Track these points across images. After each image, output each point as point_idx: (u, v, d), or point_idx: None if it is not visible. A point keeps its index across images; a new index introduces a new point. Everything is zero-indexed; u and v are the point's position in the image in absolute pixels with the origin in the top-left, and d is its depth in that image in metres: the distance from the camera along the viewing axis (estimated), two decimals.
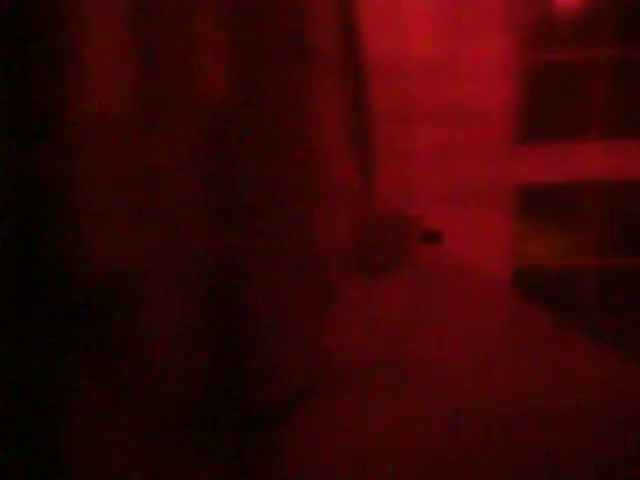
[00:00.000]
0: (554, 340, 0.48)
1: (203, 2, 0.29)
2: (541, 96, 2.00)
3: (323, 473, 0.26)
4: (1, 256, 0.22)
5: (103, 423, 0.24)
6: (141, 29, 0.26)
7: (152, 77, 0.27)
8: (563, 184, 2.05)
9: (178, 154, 0.28)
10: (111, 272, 0.24)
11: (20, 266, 0.22)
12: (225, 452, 0.27)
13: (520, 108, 1.88)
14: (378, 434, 0.30)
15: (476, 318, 0.56)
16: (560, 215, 2.12)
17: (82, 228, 0.23)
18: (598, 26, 1.97)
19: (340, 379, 0.39)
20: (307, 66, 0.37)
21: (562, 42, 1.99)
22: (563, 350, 0.45)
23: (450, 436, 0.29)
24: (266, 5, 0.32)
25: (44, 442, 0.22)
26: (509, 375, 0.39)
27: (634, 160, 2.01)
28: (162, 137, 0.27)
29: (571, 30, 1.95)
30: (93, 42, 0.24)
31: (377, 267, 0.76)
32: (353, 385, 0.38)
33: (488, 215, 1.88)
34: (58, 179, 0.23)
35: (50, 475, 0.22)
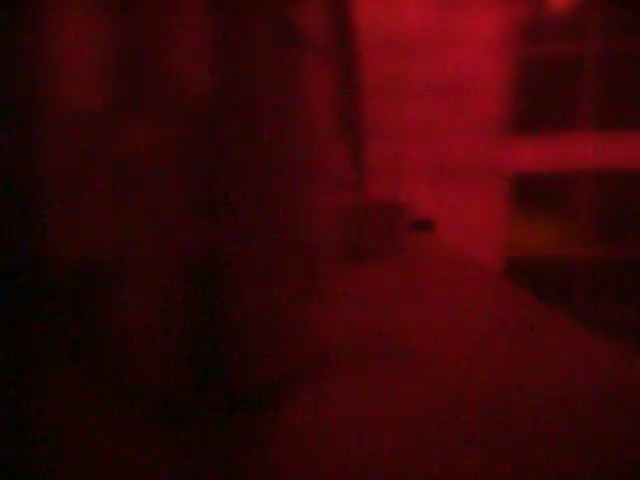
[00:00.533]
0: (544, 326, 0.48)
1: None
2: (534, 87, 2.00)
3: (309, 458, 0.25)
4: None
5: (80, 413, 0.24)
6: (121, 12, 0.25)
7: (132, 62, 0.26)
8: (555, 174, 2.06)
9: (160, 140, 0.27)
10: (89, 261, 0.23)
11: None
12: (209, 438, 0.27)
13: (513, 97, 1.88)
14: (364, 419, 0.29)
15: (466, 304, 0.56)
16: (552, 204, 2.14)
17: (58, 218, 0.22)
18: (590, 20, 1.97)
19: (327, 364, 0.38)
20: (296, 46, 0.35)
21: (555, 35, 1.99)
22: (554, 336, 0.45)
23: (440, 421, 0.29)
24: None
25: (19, 433, 0.22)
26: (500, 361, 0.39)
27: (627, 151, 2.02)
28: (143, 123, 0.26)
29: (564, 21, 1.94)
30: (69, 27, 0.23)
31: (367, 253, 0.76)
32: (340, 370, 0.37)
33: (479, 201, 1.88)
34: (34, 167, 0.22)
35: (26, 467, 0.21)
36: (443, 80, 1.73)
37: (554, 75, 1.95)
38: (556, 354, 0.40)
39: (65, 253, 0.23)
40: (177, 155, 0.28)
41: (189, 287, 0.28)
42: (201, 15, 0.29)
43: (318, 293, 0.40)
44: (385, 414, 0.30)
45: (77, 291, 0.23)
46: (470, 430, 0.28)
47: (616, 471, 0.24)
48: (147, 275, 0.27)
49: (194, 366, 0.28)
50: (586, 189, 2.09)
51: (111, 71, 0.25)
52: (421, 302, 0.57)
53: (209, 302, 0.29)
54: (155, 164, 0.27)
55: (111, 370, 0.25)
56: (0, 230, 0.21)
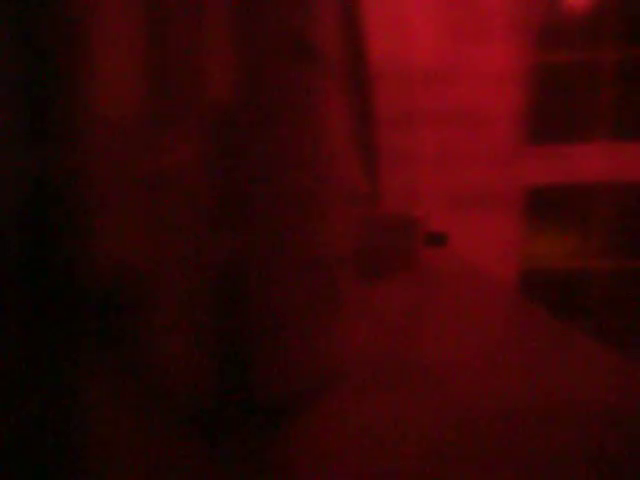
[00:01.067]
0: (559, 343, 0.48)
1: (208, 3, 0.30)
2: (548, 98, 2.00)
3: (329, 470, 0.26)
4: (13, 256, 0.22)
5: (111, 421, 0.25)
6: (149, 31, 0.27)
7: (159, 80, 0.27)
8: (570, 186, 2.04)
9: (183, 155, 0.28)
10: (120, 272, 0.25)
11: (31, 267, 0.22)
12: (232, 449, 0.28)
13: (527, 110, 1.88)
14: (384, 432, 0.30)
15: (480, 320, 0.56)
16: (567, 217, 2.11)
17: (92, 228, 0.24)
18: (604, 28, 1.96)
19: (343, 380, 0.39)
20: (311, 67, 0.37)
21: (568, 44, 1.99)
22: (568, 353, 0.45)
23: (455, 436, 0.30)
24: (270, 4, 0.32)
25: (53, 440, 0.23)
26: (514, 377, 0.39)
27: None
28: (168, 138, 0.28)
29: (577, 32, 1.94)
30: (103, 43, 0.25)
31: (382, 269, 0.76)
32: (356, 386, 0.38)
33: (495, 217, 1.88)
34: (68, 179, 0.23)
35: (58, 474, 0.23)
36: (458, 107, 1.75)
37: (569, 86, 1.95)
38: (568, 370, 0.41)
39: (101, 265, 0.24)
40: (201, 168, 0.29)
41: (215, 302, 0.29)
42: (224, 34, 0.30)
43: (335, 309, 0.41)
44: (400, 430, 0.31)
45: (110, 302, 0.24)
46: (483, 447, 0.29)
47: None
48: (174, 287, 0.28)
49: (219, 380, 0.30)
50: (602, 201, 2.07)
51: (142, 88, 0.26)
52: (435, 318, 0.57)
53: (235, 317, 0.30)
54: (181, 177, 0.28)
55: (140, 380, 0.26)
56: (39, 243, 0.23)
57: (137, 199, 0.26)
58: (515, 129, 1.87)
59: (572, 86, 2.01)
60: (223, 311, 0.30)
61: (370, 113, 0.83)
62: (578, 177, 2.05)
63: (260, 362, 0.31)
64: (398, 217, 0.82)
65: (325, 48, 0.41)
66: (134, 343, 0.26)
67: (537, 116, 1.97)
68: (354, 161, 0.72)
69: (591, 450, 0.28)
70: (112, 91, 0.25)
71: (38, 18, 0.22)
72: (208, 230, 0.29)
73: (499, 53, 1.81)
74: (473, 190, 1.87)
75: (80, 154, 0.24)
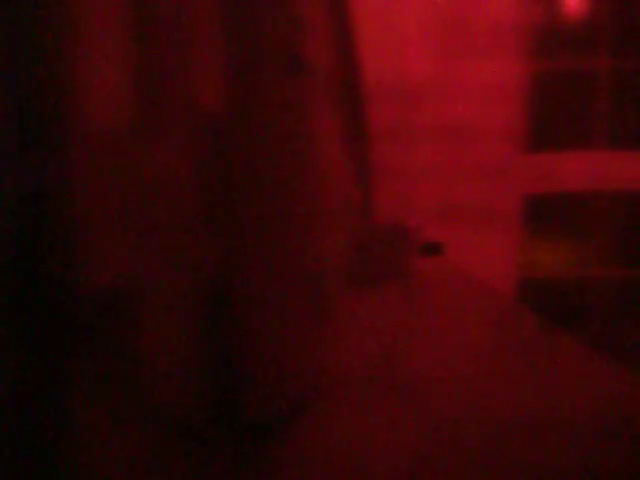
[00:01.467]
0: (555, 353, 0.48)
1: (199, 14, 0.30)
2: (544, 107, 2.01)
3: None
4: (4, 268, 0.23)
5: (101, 432, 0.25)
6: (139, 42, 0.27)
7: (149, 90, 0.28)
8: (567, 195, 2.05)
9: (173, 167, 0.29)
10: (107, 282, 0.25)
11: (21, 278, 0.23)
12: (221, 462, 0.28)
13: (523, 120, 1.89)
14: (374, 445, 0.30)
15: (474, 331, 0.56)
16: (565, 226, 2.12)
17: (83, 237, 0.24)
18: (600, 38, 1.99)
19: (334, 392, 0.39)
20: (303, 80, 0.38)
21: (564, 54, 2.01)
22: (565, 363, 0.45)
23: (449, 447, 0.30)
24: (262, 18, 0.33)
25: (44, 451, 0.23)
26: (510, 388, 0.39)
27: None
28: (158, 150, 0.28)
29: (573, 42, 1.97)
30: (93, 55, 0.25)
31: (376, 279, 0.77)
32: (347, 398, 0.38)
33: (492, 228, 1.88)
34: (59, 191, 0.24)
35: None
36: (453, 123, 1.77)
37: (565, 95, 1.97)
38: (563, 378, 0.41)
39: (90, 275, 0.24)
40: (191, 178, 0.30)
41: (205, 314, 0.30)
42: (217, 45, 0.31)
43: (326, 320, 0.41)
44: (392, 441, 0.31)
45: (99, 311, 0.25)
46: (476, 456, 0.29)
47: None
48: (165, 298, 0.28)
49: (208, 392, 0.30)
50: (599, 210, 2.07)
51: (132, 100, 0.27)
52: (428, 328, 0.57)
53: (224, 329, 0.30)
54: (171, 184, 0.28)
55: (133, 391, 0.27)
56: (30, 253, 0.23)
57: (128, 207, 0.26)
58: (511, 141, 1.89)
59: (568, 96, 2.02)
60: (213, 324, 0.30)
61: (363, 126, 0.85)
62: (575, 186, 2.06)
63: (250, 377, 0.31)
64: (391, 228, 0.83)
65: (318, 62, 0.42)
66: (125, 354, 0.26)
67: (533, 125, 1.99)
68: (347, 173, 0.73)
69: (588, 459, 0.28)
70: (104, 102, 0.26)
71: (30, 29, 0.23)
72: (198, 241, 0.30)
73: (493, 67, 1.84)
74: (470, 202, 1.88)
75: (72, 164, 0.24)
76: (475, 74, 1.80)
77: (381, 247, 0.79)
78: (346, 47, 0.77)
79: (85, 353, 0.24)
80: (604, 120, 2.02)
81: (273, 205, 0.34)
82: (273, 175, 0.34)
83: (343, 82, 0.74)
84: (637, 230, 2.04)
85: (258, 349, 0.32)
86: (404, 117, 1.70)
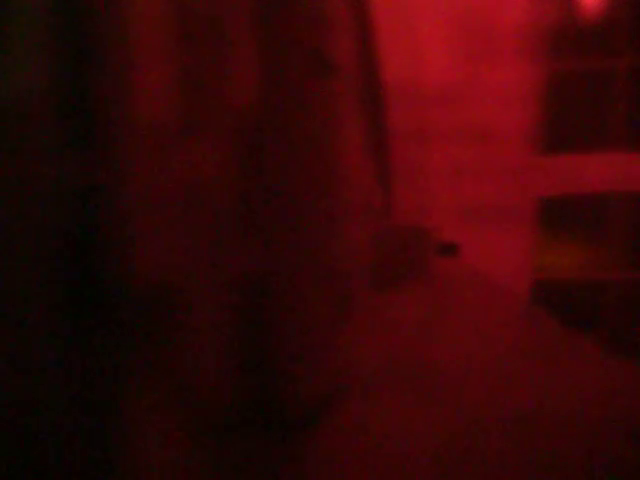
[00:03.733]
0: (569, 353, 0.48)
1: (233, 20, 0.31)
2: (560, 108, 2.00)
3: (348, 477, 0.27)
4: (51, 265, 0.24)
5: (142, 427, 0.26)
6: (181, 46, 0.28)
7: (190, 92, 0.29)
8: (583, 196, 2.03)
9: (213, 166, 0.30)
10: (156, 279, 0.26)
11: (72, 270, 0.24)
12: (256, 458, 0.29)
13: (539, 121, 1.88)
14: (396, 441, 0.31)
15: (492, 330, 0.57)
16: (580, 228, 2.10)
17: (129, 234, 0.25)
18: (617, 38, 1.96)
19: (359, 389, 0.40)
20: (331, 82, 0.38)
21: (580, 54, 1.99)
22: (579, 363, 0.45)
23: (467, 442, 0.30)
24: (292, 20, 0.34)
25: (90, 445, 0.24)
26: (524, 386, 0.40)
27: None
28: (199, 149, 0.29)
29: (589, 43, 1.94)
30: (139, 55, 0.26)
31: (394, 279, 0.77)
32: (371, 395, 0.38)
33: (508, 229, 1.87)
34: (109, 187, 0.24)
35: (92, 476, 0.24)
36: (470, 124, 1.76)
37: (582, 96, 1.95)
38: (578, 379, 0.41)
39: (135, 273, 0.25)
40: (228, 180, 0.30)
41: (240, 312, 0.30)
42: (251, 51, 0.32)
43: (350, 318, 0.42)
44: (415, 437, 0.31)
45: (142, 309, 0.25)
46: (496, 452, 0.29)
47: None
48: (202, 297, 0.29)
49: (243, 388, 0.30)
50: (615, 212, 2.05)
51: (173, 97, 0.28)
52: (447, 328, 0.58)
53: (258, 327, 0.31)
54: (209, 187, 0.29)
55: (169, 385, 0.27)
56: (76, 252, 0.24)
57: (172, 204, 0.27)
58: (527, 143, 1.87)
59: (584, 96, 2.00)
60: (249, 322, 0.31)
61: (384, 127, 0.85)
62: (591, 188, 2.03)
63: (284, 373, 0.32)
64: (411, 229, 0.83)
65: (342, 64, 0.43)
66: (165, 348, 0.27)
67: (549, 127, 1.97)
68: (369, 174, 0.73)
69: (600, 456, 0.29)
70: (149, 101, 0.26)
71: (78, 29, 0.24)
72: (235, 239, 0.30)
73: (511, 70, 1.82)
74: (486, 203, 1.87)
75: (118, 162, 0.25)
76: (494, 76, 1.79)
77: (400, 247, 0.79)
78: (367, 48, 0.78)
79: (131, 347, 0.25)
80: (621, 121, 2.00)
81: (303, 204, 0.35)
82: (302, 175, 0.35)
83: (364, 82, 0.74)
84: None
85: (292, 346, 0.32)
86: (422, 118, 1.70)
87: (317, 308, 0.35)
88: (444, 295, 0.75)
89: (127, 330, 0.24)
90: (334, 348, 0.37)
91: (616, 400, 0.37)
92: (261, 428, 0.31)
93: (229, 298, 0.30)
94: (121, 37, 0.25)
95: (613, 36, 1.93)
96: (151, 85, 0.26)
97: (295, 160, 0.34)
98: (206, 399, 0.29)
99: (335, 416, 0.34)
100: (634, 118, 1.98)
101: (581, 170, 1.97)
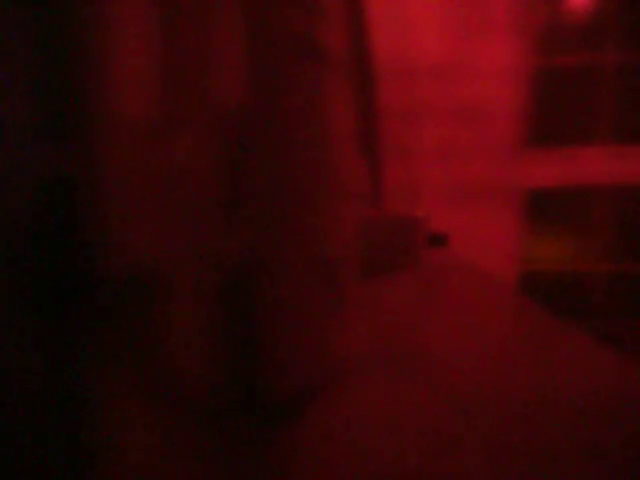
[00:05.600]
0: (558, 340, 0.48)
1: (219, 6, 0.30)
2: (549, 100, 2.01)
3: (335, 465, 0.27)
4: (28, 255, 0.23)
5: (122, 414, 0.25)
6: (162, 33, 0.27)
7: (171, 79, 0.28)
8: (571, 188, 2.05)
9: (196, 154, 0.29)
10: (134, 265, 0.25)
11: (44, 262, 0.23)
12: (243, 444, 0.28)
13: (528, 112, 1.89)
14: (385, 425, 0.31)
15: (480, 318, 0.57)
16: (570, 219, 2.12)
17: (108, 222, 0.24)
18: (606, 31, 1.97)
19: (348, 375, 0.40)
20: (319, 67, 0.37)
21: (570, 47, 2.00)
22: (563, 348, 0.46)
23: (458, 428, 0.30)
24: (280, 5, 0.33)
25: (64, 434, 0.23)
26: (511, 371, 0.40)
27: None
28: (180, 136, 0.28)
29: (580, 36, 1.95)
30: (117, 45, 0.25)
31: (385, 267, 0.77)
32: (360, 380, 0.38)
33: (497, 218, 1.89)
34: (85, 175, 0.24)
35: (70, 469, 0.23)
36: (461, 104, 1.76)
37: (571, 88, 1.95)
38: (565, 365, 0.41)
39: (113, 254, 0.25)
40: (212, 166, 0.30)
41: (224, 300, 0.30)
42: (235, 36, 0.31)
43: (339, 306, 0.41)
44: (404, 421, 0.31)
45: (124, 297, 0.25)
46: (483, 436, 0.29)
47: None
48: (185, 281, 0.29)
49: (227, 375, 0.30)
50: (604, 204, 2.07)
51: (153, 85, 0.27)
52: (437, 315, 0.58)
53: (243, 314, 0.31)
54: (192, 174, 0.29)
55: (149, 371, 0.27)
56: (55, 236, 0.23)
57: (151, 194, 0.26)
58: (518, 126, 1.88)
59: (575, 89, 2.01)
60: (233, 308, 0.30)
61: (374, 113, 0.84)
62: (581, 179, 2.05)
63: (269, 359, 0.32)
64: (401, 218, 0.83)
65: (331, 48, 0.42)
66: (144, 334, 0.26)
67: (541, 119, 1.97)
68: (359, 160, 0.73)
69: (586, 446, 0.29)
70: (127, 91, 0.26)
71: (55, 20, 0.23)
72: (218, 227, 0.30)
73: (503, 51, 1.82)
74: (476, 189, 1.88)
75: (96, 151, 0.24)
76: (485, 54, 1.79)
77: (391, 236, 0.79)
78: (359, 30, 0.76)
79: (106, 335, 0.24)
80: (612, 114, 2.01)
81: (292, 191, 0.34)
82: (291, 162, 0.34)
83: (355, 67, 0.73)
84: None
85: (277, 332, 0.32)
86: (414, 96, 1.70)
87: (304, 295, 0.35)
88: (433, 283, 0.75)
89: (103, 317, 0.24)
90: (322, 334, 0.37)
91: (604, 387, 0.37)
92: (247, 414, 0.31)
93: (213, 285, 0.30)
94: (99, 26, 0.24)
95: (605, 31, 1.94)
96: (130, 76, 0.25)
97: (283, 147, 0.34)
98: (189, 385, 0.29)
99: (322, 402, 0.34)
100: (625, 111, 1.99)
101: (572, 162, 1.98)
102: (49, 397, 0.23)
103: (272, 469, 0.26)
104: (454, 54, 1.74)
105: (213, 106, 0.30)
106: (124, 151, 0.25)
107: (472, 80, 1.79)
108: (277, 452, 0.28)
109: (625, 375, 0.39)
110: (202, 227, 0.29)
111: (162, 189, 0.27)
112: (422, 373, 0.40)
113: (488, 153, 1.85)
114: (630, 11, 1.94)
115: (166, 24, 0.27)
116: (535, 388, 0.37)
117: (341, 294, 0.42)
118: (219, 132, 0.30)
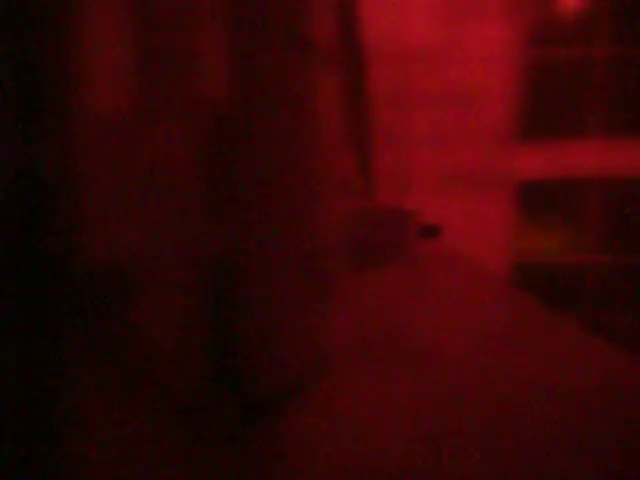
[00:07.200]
0: (547, 330, 0.48)
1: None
2: (541, 92, 2.00)
3: (321, 459, 0.26)
4: (6, 247, 0.22)
5: (103, 412, 0.24)
6: (140, 23, 0.26)
7: (151, 71, 0.27)
8: (562, 180, 2.05)
9: (177, 148, 0.28)
10: (111, 265, 0.24)
11: (21, 261, 0.22)
12: (224, 440, 0.27)
13: (520, 103, 1.88)
14: (371, 419, 0.30)
15: (471, 310, 0.56)
16: (561, 211, 2.13)
17: (85, 219, 0.23)
18: (599, 24, 1.97)
19: (333, 368, 0.39)
20: (305, 56, 0.36)
21: (562, 38, 1.99)
22: (556, 340, 0.45)
23: (445, 421, 0.30)
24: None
25: (44, 432, 0.22)
26: (502, 364, 0.39)
27: (633, 158, 2.01)
28: (160, 132, 0.27)
29: (572, 28, 1.94)
30: (95, 40, 0.24)
31: (375, 259, 0.76)
32: (346, 374, 0.38)
33: (488, 210, 1.88)
34: (62, 173, 0.23)
35: (49, 468, 0.22)
36: (451, 90, 1.74)
37: (562, 81, 1.95)
38: (557, 357, 0.41)
39: (92, 254, 0.23)
40: (194, 161, 0.29)
41: (207, 294, 0.29)
42: (219, 28, 0.30)
43: (325, 299, 0.40)
44: (390, 416, 0.31)
45: (103, 294, 0.24)
46: (472, 429, 0.29)
47: (614, 472, 0.24)
48: (168, 279, 0.27)
49: (211, 370, 0.29)
50: (595, 196, 2.08)
51: (133, 78, 0.26)
52: (428, 308, 0.57)
53: (227, 307, 0.29)
54: (173, 170, 0.28)
55: (133, 370, 0.26)
56: (29, 232, 0.22)
57: (130, 192, 0.25)
58: (510, 115, 1.87)
59: (567, 81, 2.00)
60: (215, 303, 0.29)
61: (364, 101, 0.83)
62: (572, 171, 2.06)
63: (251, 354, 0.31)
64: (392, 210, 0.82)
65: (319, 37, 0.40)
66: (125, 331, 0.25)
67: (532, 112, 1.97)
68: (348, 152, 0.71)
69: (576, 437, 0.28)
70: (105, 87, 0.24)
71: (28, 17, 0.22)
72: (200, 221, 0.29)
73: (494, 37, 1.81)
74: (468, 179, 1.87)
75: (73, 149, 0.23)
76: (475, 37, 1.78)
77: (381, 228, 0.78)
78: (348, 17, 0.75)
79: (86, 330, 0.23)
80: (602, 106, 2.01)
81: (274, 184, 0.33)
82: (275, 154, 0.33)
83: (345, 54, 0.72)
84: (634, 217, 2.05)
85: (259, 327, 0.31)
86: (403, 81, 1.68)
87: (289, 288, 0.34)
88: (424, 276, 0.74)
89: (80, 312, 0.22)
90: (305, 331, 0.36)
91: (595, 377, 0.36)
92: (229, 410, 0.30)
93: (195, 278, 0.28)
94: (74, 21, 0.23)
95: (596, 24, 1.93)
96: (108, 70, 0.24)
97: (267, 141, 0.33)
98: (170, 382, 0.27)
99: (307, 395, 0.33)
100: (615, 104, 2.00)
101: (562, 155, 1.98)
102: (23, 393, 0.22)
103: (254, 465, 0.25)
104: (445, 40, 1.72)
105: (196, 100, 0.29)
106: (103, 147, 0.24)
107: (462, 65, 1.77)
108: (259, 448, 0.27)
109: (616, 366, 0.38)
110: (183, 222, 0.28)
111: (142, 185, 0.26)
112: (410, 367, 0.39)
113: (480, 143, 1.85)
114: (622, 4, 1.93)
115: (147, 17, 0.26)
116: (526, 379, 0.36)
117: (326, 289, 0.41)
118: (201, 126, 0.29)
